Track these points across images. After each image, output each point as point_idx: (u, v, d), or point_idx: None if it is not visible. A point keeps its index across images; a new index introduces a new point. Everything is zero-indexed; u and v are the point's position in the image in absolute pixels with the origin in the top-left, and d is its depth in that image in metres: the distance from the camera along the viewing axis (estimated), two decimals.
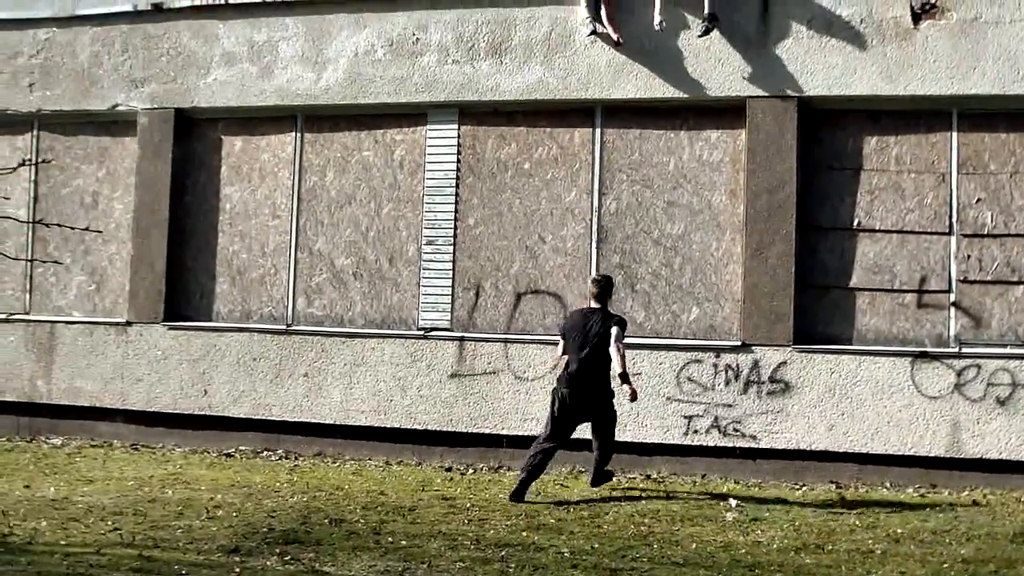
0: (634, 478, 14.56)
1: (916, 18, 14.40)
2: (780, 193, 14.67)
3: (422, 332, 15.93)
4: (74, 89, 17.61)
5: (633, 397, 12.83)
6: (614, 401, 13.23)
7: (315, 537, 10.47)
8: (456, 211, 16.05)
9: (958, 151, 14.48)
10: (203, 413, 16.62)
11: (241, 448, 16.32)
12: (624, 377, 12.72)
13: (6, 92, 17.83)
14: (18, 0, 17.97)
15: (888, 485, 14.03)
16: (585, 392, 12.91)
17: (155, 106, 17.17)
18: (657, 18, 14.94)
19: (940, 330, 14.38)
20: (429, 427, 15.72)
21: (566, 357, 13.15)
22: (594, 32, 15.28)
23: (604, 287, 13.29)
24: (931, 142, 14.60)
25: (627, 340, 13.44)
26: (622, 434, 14.70)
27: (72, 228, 11.23)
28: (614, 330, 12.81)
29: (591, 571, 9.55)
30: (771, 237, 14.65)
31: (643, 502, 12.76)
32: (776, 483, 14.29)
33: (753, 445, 14.53)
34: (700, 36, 14.87)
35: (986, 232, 14.35)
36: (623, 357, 12.80)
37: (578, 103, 15.66)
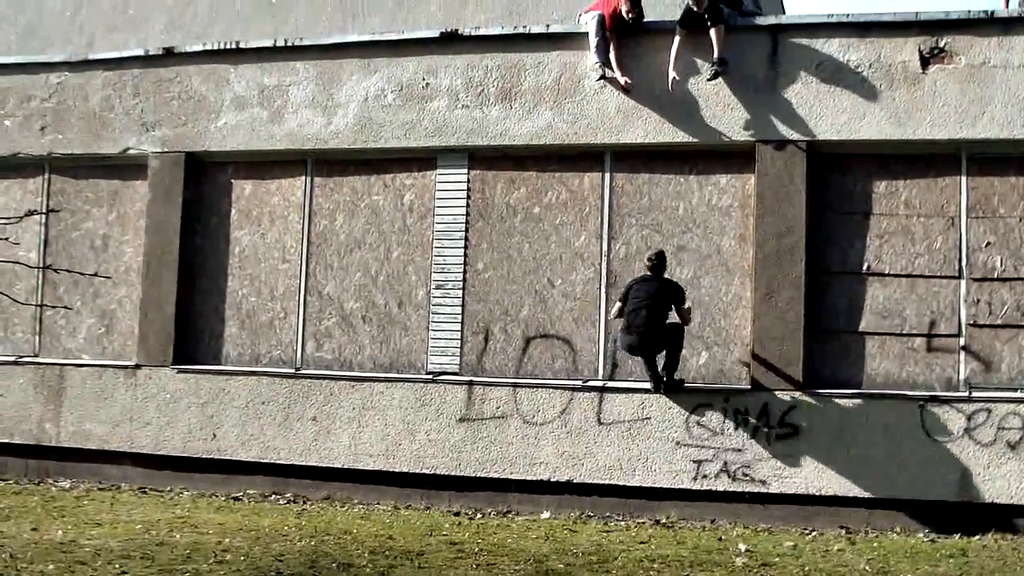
0: (643, 523, 14.50)
1: (925, 63, 14.44)
2: (789, 237, 14.67)
3: (431, 376, 15.91)
4: (85, 132, 17.70)
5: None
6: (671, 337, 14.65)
7: None
8: (465, 255, 16.07)
9: (967, 195, 14.49)
10: (211, 456, 16.60)
11: (249, 492, 16.28)
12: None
13: (18, 135, 17.91)
14: (32, 44, 18.09)
15: (898, 530, 13.97)
16: (645, 340, 14.46)
17: (166, 150, 17.25)
18: (672, 75, 14.98)
19: (950, 374, 14.33)
20: (438, 471, 15.67)
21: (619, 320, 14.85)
22: (603, 77, 15.32)
23: (658, 263, 14.63)
24: (940, 186, 14.60)
25: (635, 384, 14.77)
26: (631, 479, 14.76)
27: (81, 273, 11.25)
28: (677, 298, 14.60)
29: None
30: (780, 281, 14.64)
31: (652, 547, 12.69)
32: (786, 528, 14.21)
33: (763, 490, 14.47)
34: (709, 79, 14.92)
35: (996, 276, 14.33)
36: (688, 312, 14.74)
37: (587, 148, 15.69)
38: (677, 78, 14.97)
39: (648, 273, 14.61)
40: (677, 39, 15.02)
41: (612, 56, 15.28)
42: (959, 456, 13.90)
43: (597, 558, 11.89)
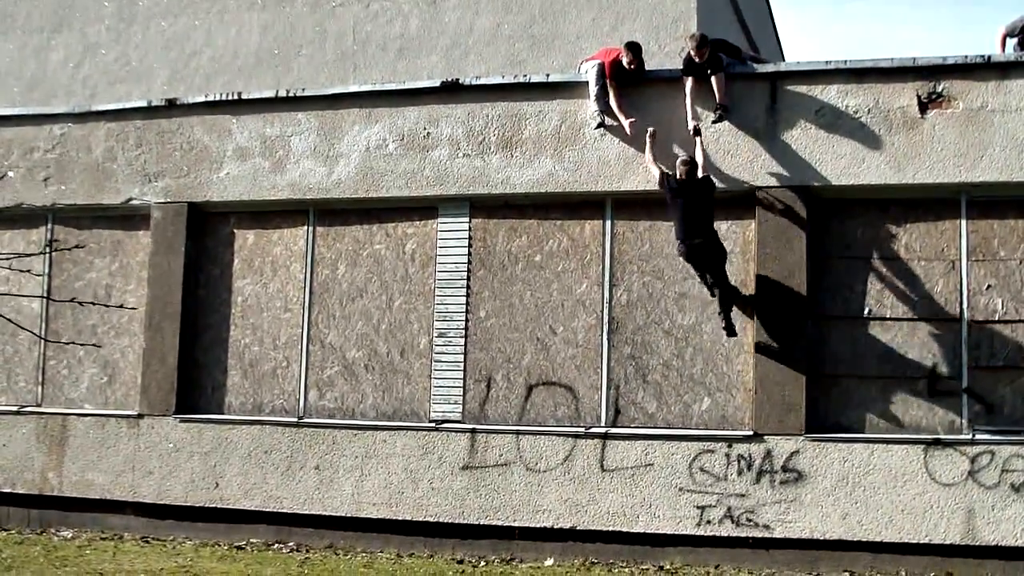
0: (647, 569, 14.47)
1: (923, 108, 14.53)
2: (790, 283, 14.70)
3: (433, 424, 15.90)
4: (88, 183, 17.77)
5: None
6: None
7: None
8: (467, 303, 16.10)
9: (967, 238, 14.53)
10: (214, 506, 16.56)
11: (252, 541, 16.23)
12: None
13: (21, 186, 17.97)
14: (35, 96, 18.17)
15: (903, 574, 13.94)
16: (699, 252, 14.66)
17: (168, 200, 17.31)
18: (691, 123, 15.03)
19: (953, 417, 14.32)
20: (441, 519, 15.63)
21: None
22: (602, 125, 15.40)
23: (691, 165, 14.79)
24: (940, 230, 14.65)
25: (637, 430, 14.96)
26: (634, 525, 14.72)
27: (105, 305, 11.22)
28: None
29: None
30: (782, 327, 14.65)
31: None
32: (790, 573, 14.19)
33: (766, 535, 14.43)
34: (714, 122, 14.98)
35: (997, 318, 14.35)
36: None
37: (588, 195, 15.75)
38: (697, 124, 15.01)
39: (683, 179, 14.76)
40: (688, 87, 15.10)
41: (614, 103, 15.34)
42: (963, 499, 13.87)
43: None
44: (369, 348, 16.50)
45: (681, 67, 15.27)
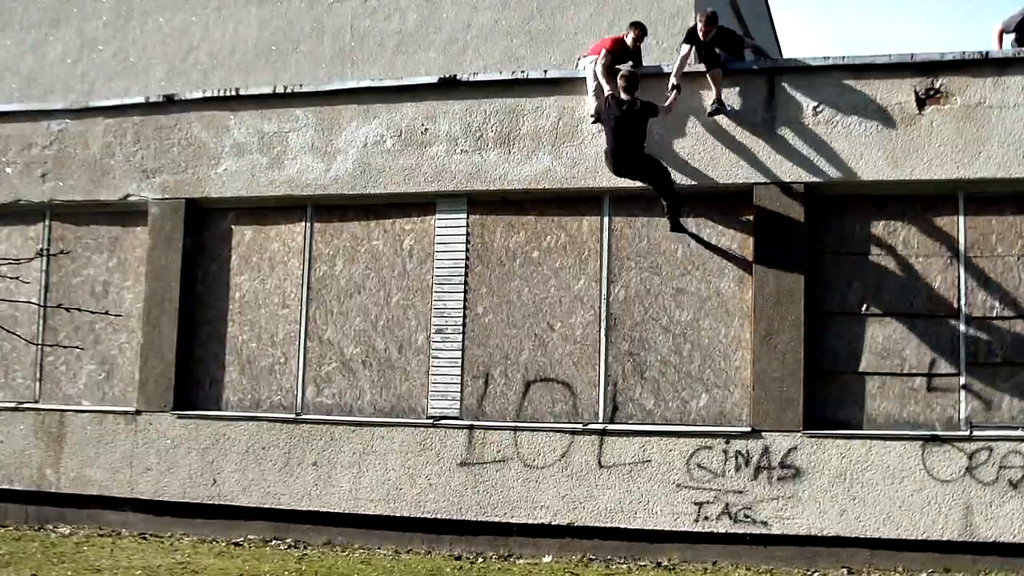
0: (645, 565, 14.45)
1: (921, 104, 14.52)
2: (788, 279, 14.69)
3: (431, 421, 15.89)
4: (86, 179, 17.74)
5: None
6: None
7: None
8: (465, 300, 16.09)
9: (965, 234, 14.52)
10: (212, 502, 16.55)
11: (250, 537, 16.21)
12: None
13: (19, 182, 17.97)
14: (33, 92, 18.14)
15: (901, 570, 13.92)
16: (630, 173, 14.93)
17: (166, 196, 17.29)
18: (672, 81, 14.98)
19: (950, 413, 14.32)
20: (438, 516, 15.62)
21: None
22: (598, 120, 15.39)
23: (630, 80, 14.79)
24: (938, 226, 14.64)
25: (635, 427, 14.98)
26: (632, 521, 14.71)
27: (91, 311, 11.27)
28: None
29: None
30: (780, 323, 14.65)
31: None
32: (788, 569, 14.16)
33: (764, 531, 14.42)
34: (710, 115, 14.97)
35: (995, 315, 14.35)
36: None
37: (586, 192, 15.74)
38: (677, 84, 14.96)
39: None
40: (683, 53, 15.09)
41: (604, 81, 15.27)
42: (961, 495, 13.86)
43: None
44: (367, 344, 16.49)
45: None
